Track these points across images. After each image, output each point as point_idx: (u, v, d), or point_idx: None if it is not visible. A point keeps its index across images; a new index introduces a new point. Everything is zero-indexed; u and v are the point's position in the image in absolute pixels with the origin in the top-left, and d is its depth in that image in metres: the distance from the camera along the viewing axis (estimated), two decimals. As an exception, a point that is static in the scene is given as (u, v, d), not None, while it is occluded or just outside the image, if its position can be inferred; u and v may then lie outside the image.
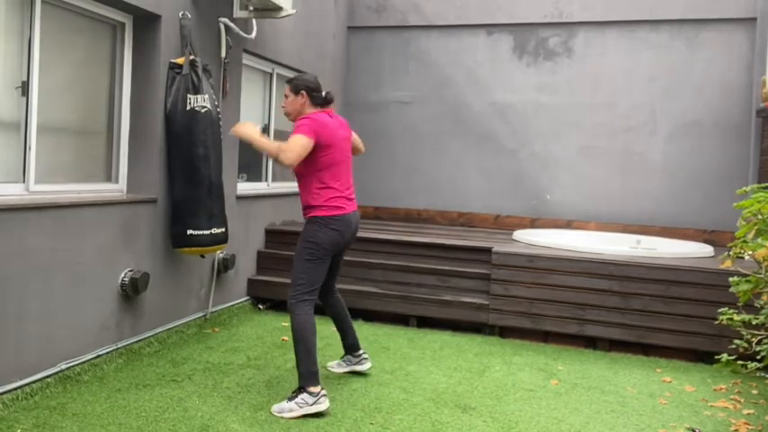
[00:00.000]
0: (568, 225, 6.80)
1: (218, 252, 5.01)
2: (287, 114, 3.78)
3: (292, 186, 6.46)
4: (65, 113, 3.96)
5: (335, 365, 4.09)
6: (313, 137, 3.49)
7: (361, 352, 4.06)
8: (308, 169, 3.59)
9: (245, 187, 5.67)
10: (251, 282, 5.68)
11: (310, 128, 3.51)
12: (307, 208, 3.64)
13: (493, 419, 3.44)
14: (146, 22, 4.29)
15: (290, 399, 3.39)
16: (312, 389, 3.38)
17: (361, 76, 7.56)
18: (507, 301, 5.03)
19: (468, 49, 7.19)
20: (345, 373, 4.04)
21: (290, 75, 6.42)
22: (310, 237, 3.56)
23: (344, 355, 4.08)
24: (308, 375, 3.41)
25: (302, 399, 3.36)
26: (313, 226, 3.57)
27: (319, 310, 3.77)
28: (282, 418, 3.32)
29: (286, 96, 3.75)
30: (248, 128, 3.55)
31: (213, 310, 5.11)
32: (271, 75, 6.10)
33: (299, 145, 3.45)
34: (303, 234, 3.60)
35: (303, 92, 3.69)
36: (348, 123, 3.93)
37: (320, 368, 3.66)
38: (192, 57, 4.35)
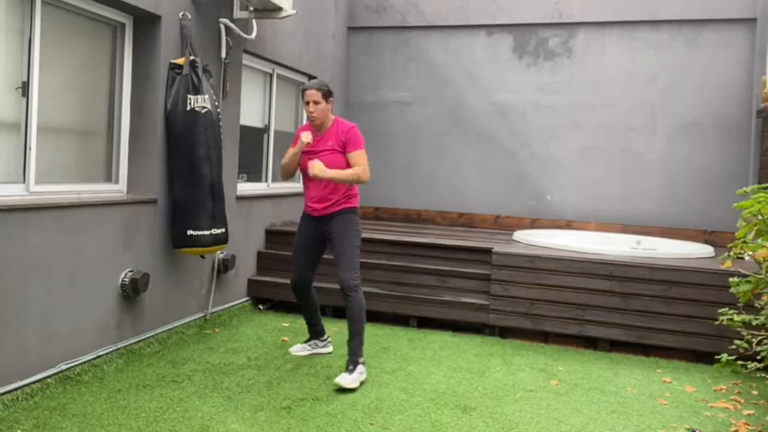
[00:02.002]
0: (568, 225, 6.80)
1: (219, 252, 5.01)
2: (314, 119, 3.96)
3: (292, 187, 6.47)
4: (65, 114, 3.96)
5: (300, 349, 4.42)
6: None
7: (326, 336, 4.49)
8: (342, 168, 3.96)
9: (245, 188, 5.67)
10: (251, 282, 5.68)
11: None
12: (341, 200, 3.98)
13: (493, 420, 3.44)
14: (146, 23, 4.29)
15: (352, 371, 3.82)
16: (363, 359, 3.94)
17: (361, 76, 7.56)
18: (507, 301, 5.03)
19: (468, 50, 7.19)
20: (310, 355, 4.40)
21: (290, 75, 6.43)
22: (357, 225, 4.03)
23: (310, 340, 4.45)
24: (362, 348, 3.93)
25: (361, 369, 3.88)
26: (354, 215, 4.03)
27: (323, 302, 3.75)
28: (349, 388, 3.70)
29: (316, 103, 3.92)
30: (320, 169, 3.81)
31: (213, 310, 5.11)
32: (271, 75, 6.10)
33: (366, 159, 3.94)
34: (347, 223, 3.98)
35: (331, 98, 3.98)
36: None
37: (294, 358, 4.31)
38: (192, 57, 4.34)
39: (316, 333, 4.43)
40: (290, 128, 6.67)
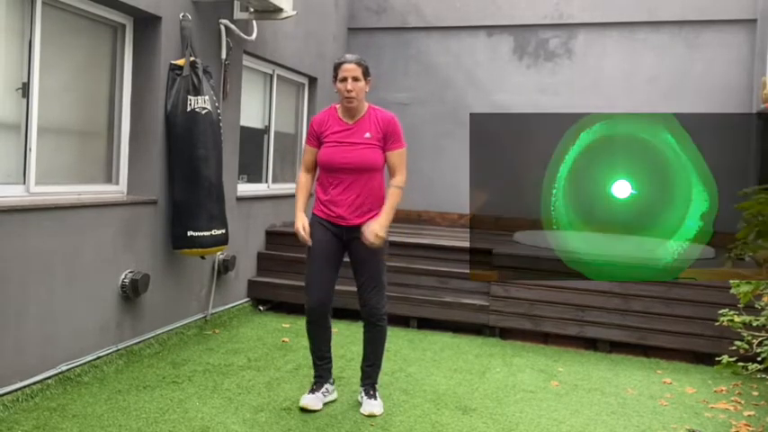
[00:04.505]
0: (569, 226, 6.79)
1: (219, 253, 5.01)
2: (351, 100, 3.33)
3: (292, 188, 6.46)
4: (65, 115, 3.96)
5: (314, 401, 3.48)
6: None
7: (332, 378, 3.69)
8: (381, 168, 3.43)
9: (245, 188, 5.67)
10: (251, 283, 5.68)
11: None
12: (374, 205, 3.39)
13: (493, 421, 3.44)
14: (146, 24, 4.29)
15: (375, 396, 3.51)
16: None
17: (362, 77, 7.54)
18: (507, 302, 5.02)
19: (468, 51, 7.19)
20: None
21: (291, 76, 6.43)
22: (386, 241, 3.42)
23: (321, 384, 3.57)
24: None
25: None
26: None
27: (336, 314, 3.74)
28: (379, 414, 3.42)
29: (356, 79, 3.31)
30: (382, 228, 3.29)
31: (213, 311, 5.10)
32: (271, 76, 6.09)
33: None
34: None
35: (369, 78, 3.42)
36: None
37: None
38: (192, 58, 4.34)
39: (327, 372, 3.57)
40: (290, 129, 6.67)
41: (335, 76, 3.38)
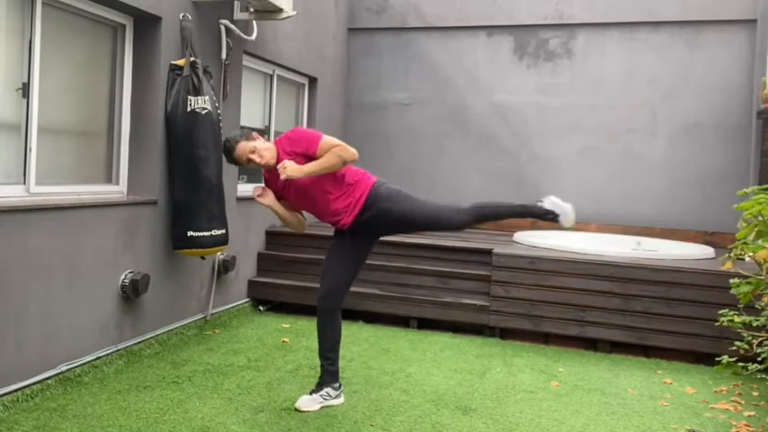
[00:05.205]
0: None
1: (219, 253, 5.01)
2: (270, 166, 3.40)
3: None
4: (65, 115, 3.96)
5: (309, 402, 3.49)
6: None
7: (339, 384, 3.64)
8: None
9: (245, 189, 5.66)
10: (251, 283, 5.68)
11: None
12: (356, 192, 3.46)
13: (493, 421, 3.44)
14: (146, 24, 4.29)
15: None
16: None
17: (361, 77, 7.56)
18: (508, 302, 5.02)
19: (469, 51, 7.19)
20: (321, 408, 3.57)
21: (291, 76, 6.44)
22: (394, 191, 3.56)
23: (323, 386, 3.56)
24: None
25: None
26: (386, 188, 3.55)
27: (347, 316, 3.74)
28: None
29: (253, 152, 3.38)
30: (293, 167, 3.25)
31: (213, 311, 5.10)
32: (271, 76, 6.10)
33: (335, 140, 3.35)
34: (392, 199, 3.46)
35: (255, 133, 3.51)
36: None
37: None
38: (192, 58, 4.34)
39: (331, 375, 3.55)
40: (290, 129, 6.66)
41: (236, 164, 3.50)
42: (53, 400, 3.43)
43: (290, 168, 3.24)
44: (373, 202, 3.43)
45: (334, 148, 3.31)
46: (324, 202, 3.44)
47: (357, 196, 3.44)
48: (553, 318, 4.91)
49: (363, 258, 3.65)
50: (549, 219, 3.59)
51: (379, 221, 3.46)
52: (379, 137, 7.36)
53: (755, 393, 4.05)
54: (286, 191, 3.48)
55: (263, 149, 3.39)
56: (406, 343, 4.85)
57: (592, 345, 4.90)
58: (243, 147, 3.39)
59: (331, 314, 3.54)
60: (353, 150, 3.35)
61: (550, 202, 3.61)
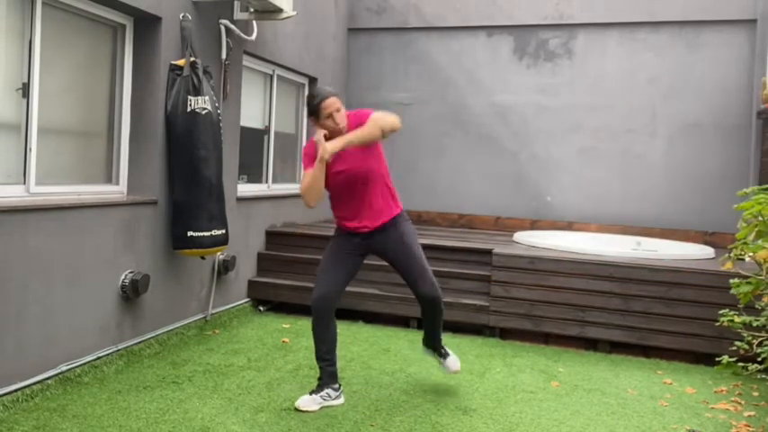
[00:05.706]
0: (569, 227, 6.79)
1: (219, 254, 5.01)
2: (342, 129, 3.35)
3: (293, 188, 6.46)
4: (65, 115, 3.97)
5: (309, 402, 3.47)
6: None
7: (339, 385, 3.62)
8: (384, 167, 3.58)
9: (245, 189, 5.67)
10: (251, 283, 5.68)
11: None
12: (390, 205, 3.57)
13: (493, 421, 3.44)
14: (146, 24, 4.29)
15: (448, 355, 3.82)
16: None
17: (362, 77, 7.56)
18: (508, 302, 5.02)
19: (469, 51, 7.20)
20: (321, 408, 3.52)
21: (291, 76, 6.44)
22: (415, 233, 3.67)
23: (322, 388, 3.54)
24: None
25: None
26: (410, 224, 3.67)
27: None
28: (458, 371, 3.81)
29: (339, 110, 3.35)
30: (333, 145, 3.21)
31: (213, 311, 5.10)
32: (271, 76, 6.10)
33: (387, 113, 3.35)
34: (410, 234, 3.59)
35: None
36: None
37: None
38: (192, 58, 4.35)
39: (330, 376, 3.55)
40: (290, 129, 6.67)
41: (316, 113, 3.36)
42: (53, 400, 3.43)
43: (331, 145, 3.21)
44: (397, 223, 3.57)
45: (373, 115, 3.33)
46: (370, 195, 3.48)
47: (392, 209, 3.57)
48: (553, 318, 4.91)
49: (358, 268, 3.68)
50: (439, 354, 3.86)
51: (389, 240, 3.56)
52: (379, 137, 7.34)
53: (755, 393, 4.05)
54: (335, 174, 3.44)
55: (344, 115, 3.39)
56: (406, 343, 4.85)
57: (592, 345, 4.90)
58: (334, 101, 3.34)
59: (327, 316, 3.53)
60: (392, 118, 3.36)
61: (453, 360, 3.85)
